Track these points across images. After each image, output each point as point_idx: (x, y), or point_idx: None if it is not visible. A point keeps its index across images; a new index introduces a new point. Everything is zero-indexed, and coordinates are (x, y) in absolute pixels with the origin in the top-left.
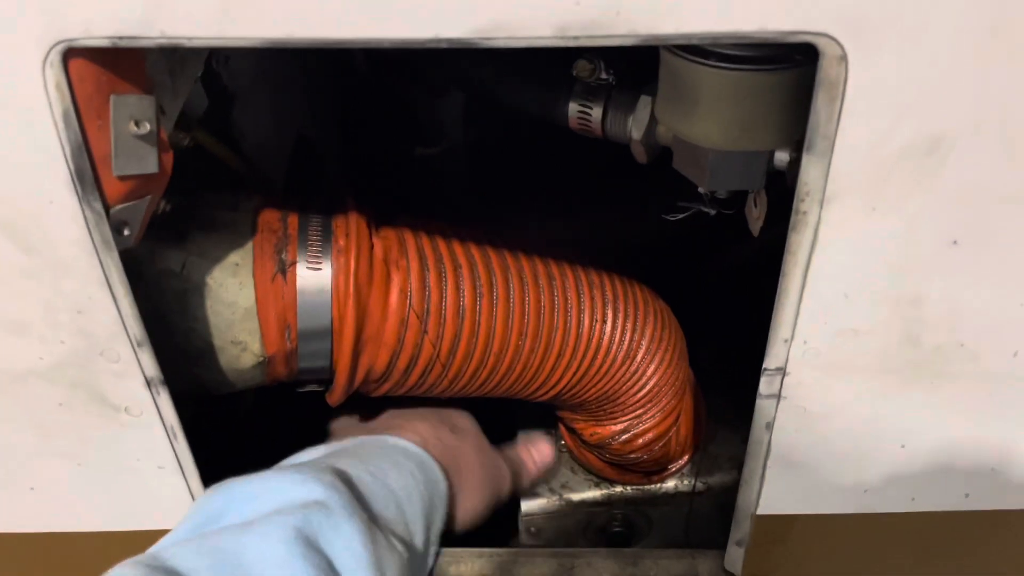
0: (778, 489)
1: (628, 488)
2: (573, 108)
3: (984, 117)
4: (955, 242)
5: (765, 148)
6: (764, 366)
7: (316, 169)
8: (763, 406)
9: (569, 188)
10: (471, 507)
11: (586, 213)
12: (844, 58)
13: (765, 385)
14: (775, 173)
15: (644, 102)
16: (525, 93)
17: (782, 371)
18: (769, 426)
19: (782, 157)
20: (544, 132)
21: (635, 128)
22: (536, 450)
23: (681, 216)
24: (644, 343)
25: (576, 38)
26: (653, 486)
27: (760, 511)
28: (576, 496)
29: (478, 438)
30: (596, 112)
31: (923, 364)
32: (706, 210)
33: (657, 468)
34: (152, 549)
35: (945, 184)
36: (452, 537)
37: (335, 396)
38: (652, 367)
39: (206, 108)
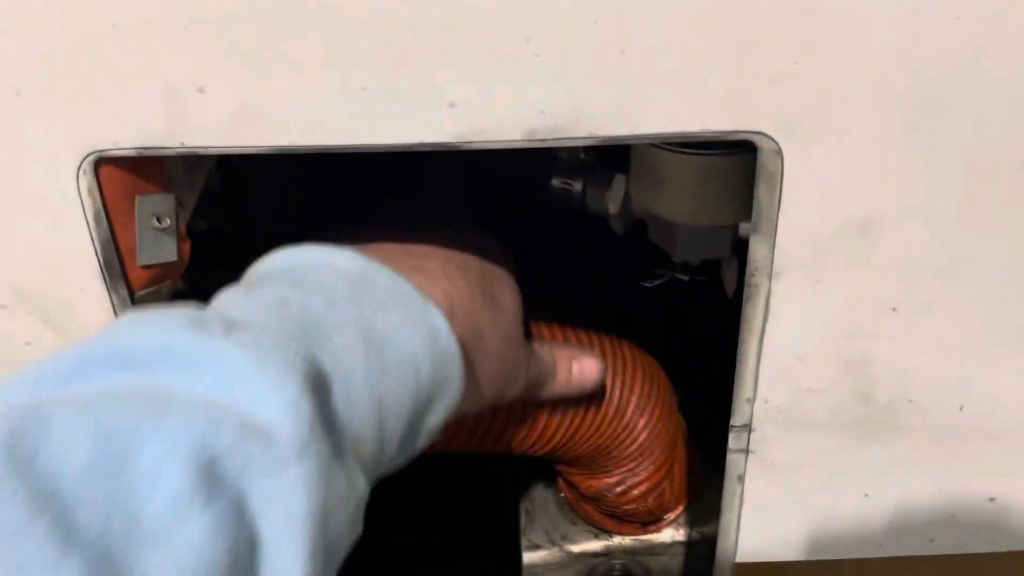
0: (754, 537)
1: (627, 538)
2: (556, 183)
3: (908, 202)
4: (894, 309)
5: (728, 222)
6: (731, 423)
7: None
8: (733, 460)
9: (554, 259)
10: (480, 393)
11: (572, 282)
12: (779, 152)
13: (733, 440)
14: (742, 241)
15: (619, 180)
16: (515, 170)
17: (748, 427)
18: (740, 478)
19: (746, 227)
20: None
21: (612, 203)
22: (581, 366)
23: (657, 282)
24: (633, 399)
25: (543, 140)
26: (650, 536)
27: (739, 559)
28: (576, 548)
29: (515, 324)
30: (577, 188)
31: (876, 420)
32: (680, 276)
33: (653, 519)
34: (26, 391)
35: (879, 259)
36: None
37: None
38: (642, 421)
39: (219, 191)
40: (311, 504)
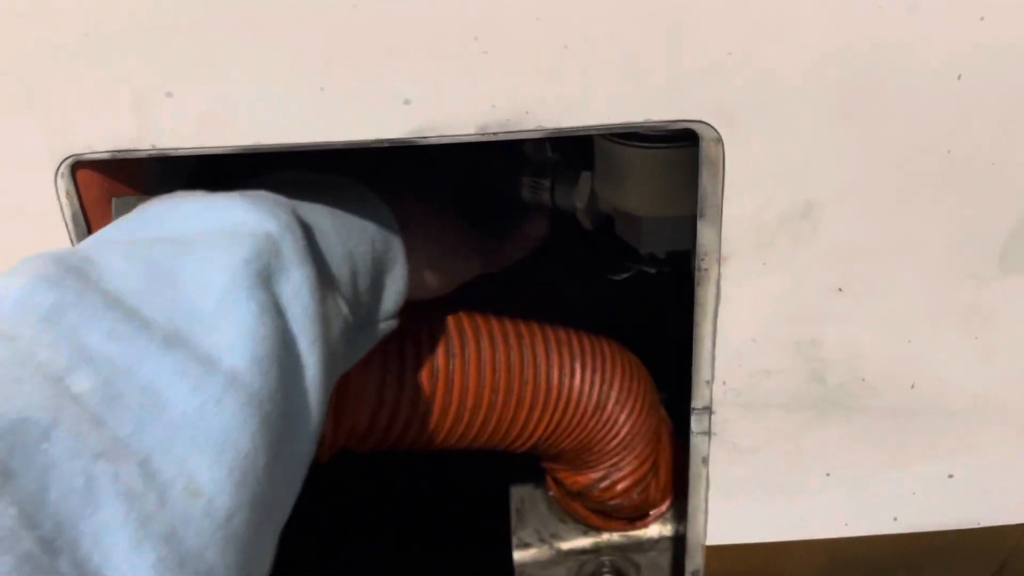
0: (722, 520)
1: (615, 535)
2: (526, 182)
3: (845, 186)
4: (840, 290)
5: (688, 212)
6: (692, 405)
7: None
8: (697, 442)
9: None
10: (420, 280)
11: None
12: (720, 140)
13: (696, 423)
14: None
15: (585, 177)
16: (487, 170)
17: (708, 409)
18: (705, 460)
19: None
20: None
21: (579, 200)
22: (529, 225)
23: (625, 275)
24: (613, 394)
25: (495, 134)
26: (638, 532)
27: (709, 542)
28: (566, 545)
29: (450, 216)
30: (546, 185)
31: (831, 400)
32: (647, 269)
33: (638, 514)
34: (72, 248)
35: (821, 242)
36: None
37: (323, 453)
38: (623, 416)
39: None
40: (316, 304)
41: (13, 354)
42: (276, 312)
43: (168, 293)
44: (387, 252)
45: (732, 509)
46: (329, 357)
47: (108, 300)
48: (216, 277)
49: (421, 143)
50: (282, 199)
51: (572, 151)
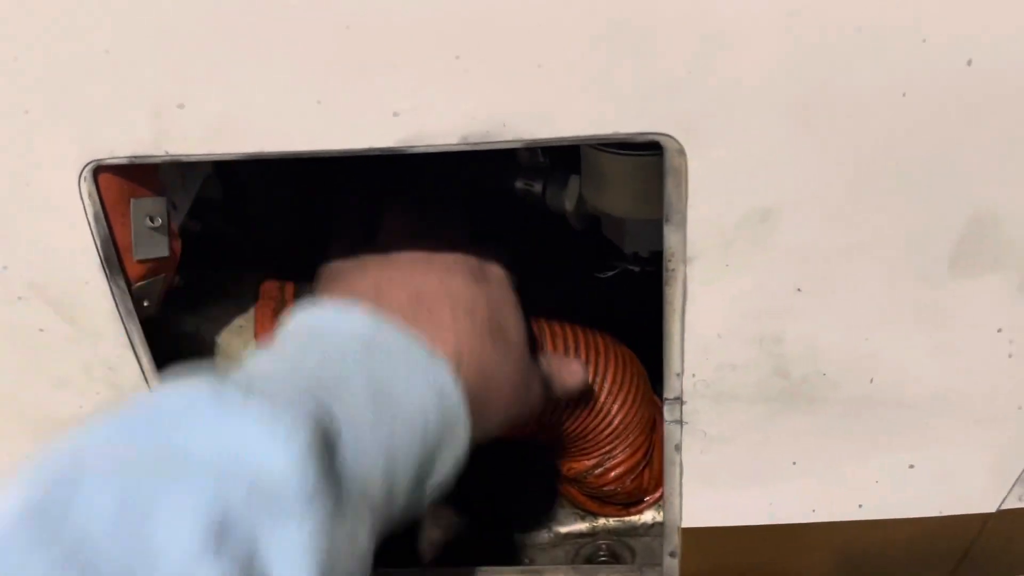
0: (697, 504)
1: (611, 520)
2: (520, 185)
3: (801, 192)
4: (799, 290)
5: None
6: (664, 396)
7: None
8: (670, 430)
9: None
10: (483, 435)
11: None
12: (682, 151)
13: (668, 412)
14: None
15: (574, 180)
16: (487, 175)
17: (679, 400)
18: (678, 448)
19: None
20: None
21: (568, 201)
22: (568, 372)
23: (610, 274)
24: (606, 385)
25: (476, 144)
26: (632, 518)
27: (684, 524)
28: (564, 529)
29: (523, 351)
30: (537, 188)
31: (795, 392)
32: (631, 267)
33: (633, 500)
34: (67, 444)
35: (780, 245)
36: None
37: None
38: (616, 406)
39: (220, 197)
40: (317, 555)
41: None
42: (251, 573)
43: (133, 542)
44: (444, 422)
45: (705, 494)
46: None
47: (67, 554)
48: (184, 533)
49: (409, 152)
50: (320, 397)
51: (561, 157)
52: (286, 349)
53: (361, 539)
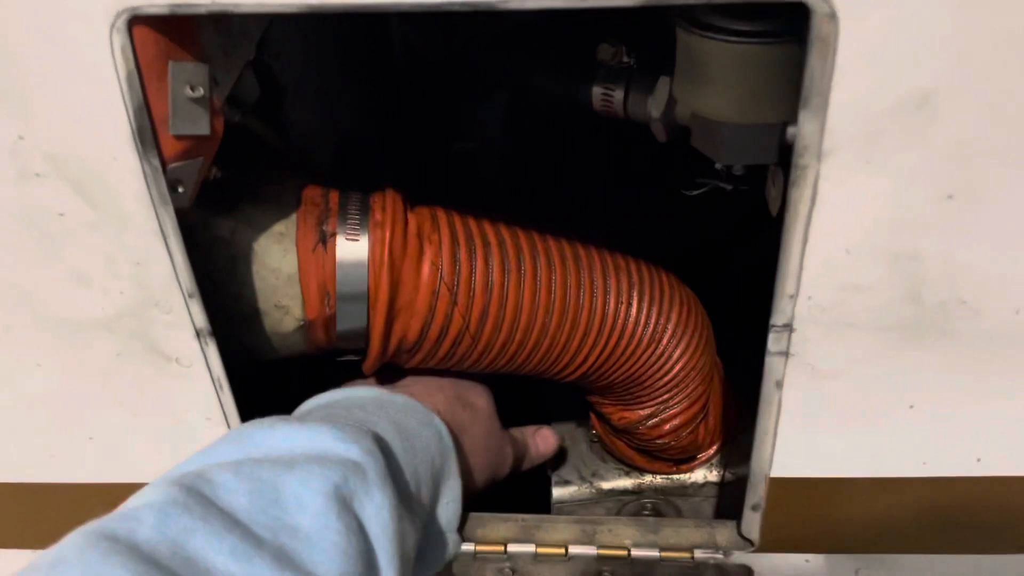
0: (791, 451)
1: (657, 477)
2: (596, 91)
3: (970, 73)
4: (950, 197)
5: (777, 120)
6: (771, 322)
7: (360, 163)
8: (772, 363)
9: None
10: (469, 485)
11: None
12: (834, 16)
13: (773, 342)
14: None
15: (663, 82)
16: (554, 79)
17: (789, 327)
18: (779, 384)
19: (793, 131)
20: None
21: (655, 107)
22: (541, 438)
23: (698, 192)
24: (670, 328)
25: None
26: (682, 476)
27: (774, 474)
28: (606, 484)
29: (490, 419)
30: (618, 94)
31: (926, 322)
32: (723, 185)
33: (685, 456)
34: (188, 468)
35: (936, 139)
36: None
37: (369, 363)
38: (678, 352)
39: (257, 97)
40: (395, 523)
41: None
42: (360, 533)
43: (272, 510)
44: (443, 466)
45: (803, 439)
46: (404, 570)
47: (227, 521)
48: (311, 499)
49: (501, 8)
50: (362, 426)
51: (649, 56)
52: (318, 403)
53: (410, 540)
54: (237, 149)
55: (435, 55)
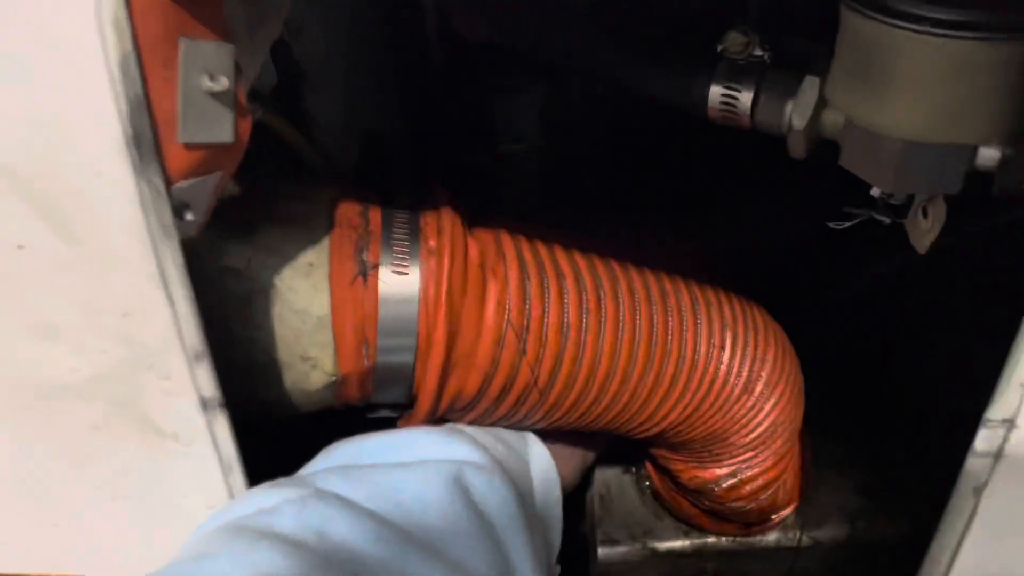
0: (973, 565)
1: (723, 539)
2: (715, 92)
3: None
4: None
5: (973, 141)
6: (986, 416)
7: (387, 163)
8: (975, 467)
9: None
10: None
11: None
12: None
13: (984, 439)
14: (974, 175)
15: (810, 83)
16: (655, 76)
17: (1010, 423)
18: (977, 491)
19: (990, 154)
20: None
21: (797, 115)
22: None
23: (848, 224)
24: (764, 375)
25: None
26: (752, 538)
27: None
28: (662, 545)
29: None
30: (745, 96)
31: None
32: (880, 218)
33: (760, 519)
34: (292, 478)
35: None
36: None
37: (414, 423)
38: (770, 404)
39: (275, 85)
40: (521, 510)
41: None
42: (482, 522)
43: (392, 510)
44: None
45: (992, 554)
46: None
47: (361, 512)
48: (434, 492)
49: None
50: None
51: (790, 49)
52: None
53: (538, 538)
54: (253, 154)
55: (477, 36)
